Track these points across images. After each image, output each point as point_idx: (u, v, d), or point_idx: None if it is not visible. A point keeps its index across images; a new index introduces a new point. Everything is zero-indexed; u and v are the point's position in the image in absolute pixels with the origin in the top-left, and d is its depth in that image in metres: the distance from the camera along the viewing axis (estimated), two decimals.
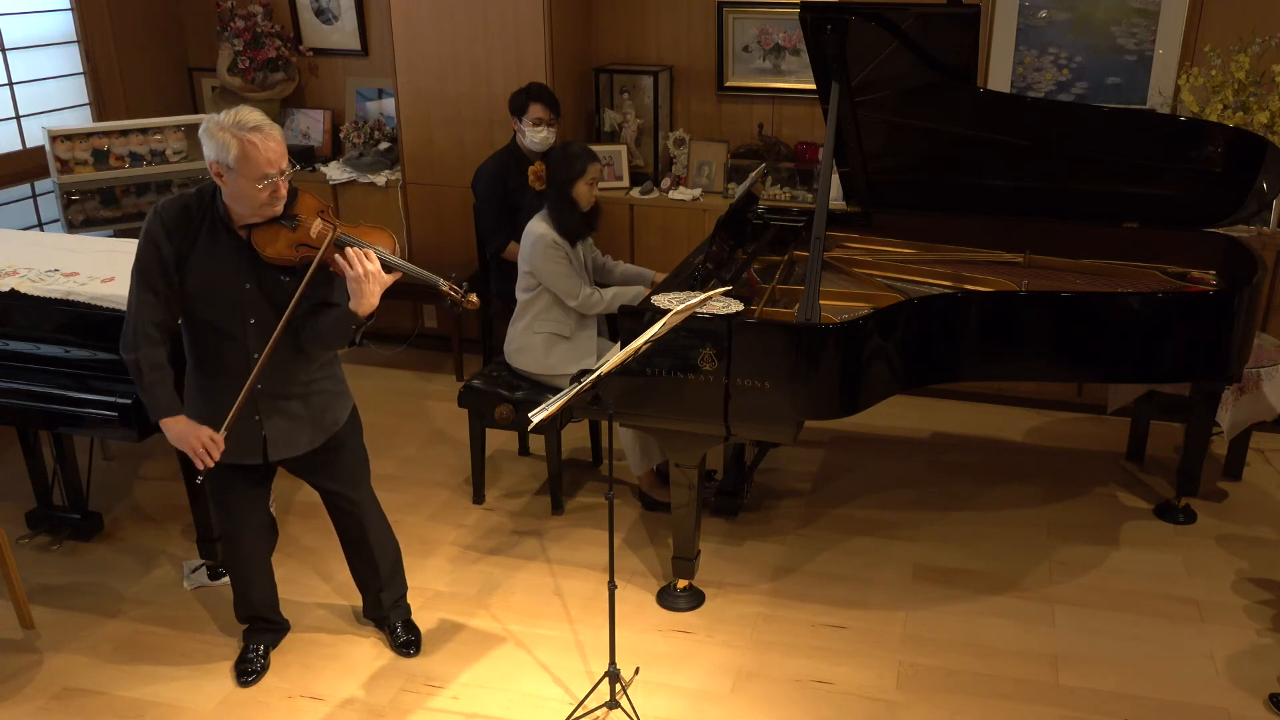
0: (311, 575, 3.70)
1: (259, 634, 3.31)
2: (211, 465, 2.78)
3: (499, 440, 4.54)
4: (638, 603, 3.56)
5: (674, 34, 5.22)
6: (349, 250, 2.70)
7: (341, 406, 3.09)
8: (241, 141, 2.62)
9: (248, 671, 3.22)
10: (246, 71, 5.57)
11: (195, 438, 2.77)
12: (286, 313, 2.73)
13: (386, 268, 2.75)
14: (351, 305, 2.72)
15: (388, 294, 2.78)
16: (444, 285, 2.80)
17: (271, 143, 2.66)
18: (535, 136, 4.44)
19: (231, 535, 3.15)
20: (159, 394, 2.81)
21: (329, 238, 2.74)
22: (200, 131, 2.69)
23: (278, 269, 2.79)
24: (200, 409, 2.90)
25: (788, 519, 4.06)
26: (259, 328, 2.81)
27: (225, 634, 3.41)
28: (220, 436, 2.77)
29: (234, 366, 2.83)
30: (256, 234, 2.76)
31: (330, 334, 2.84)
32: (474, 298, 2.83)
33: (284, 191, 2.74)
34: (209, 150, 2.66)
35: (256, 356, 2.79)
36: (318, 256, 2.72)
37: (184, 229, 2.76)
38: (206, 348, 2.86)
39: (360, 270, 2.68)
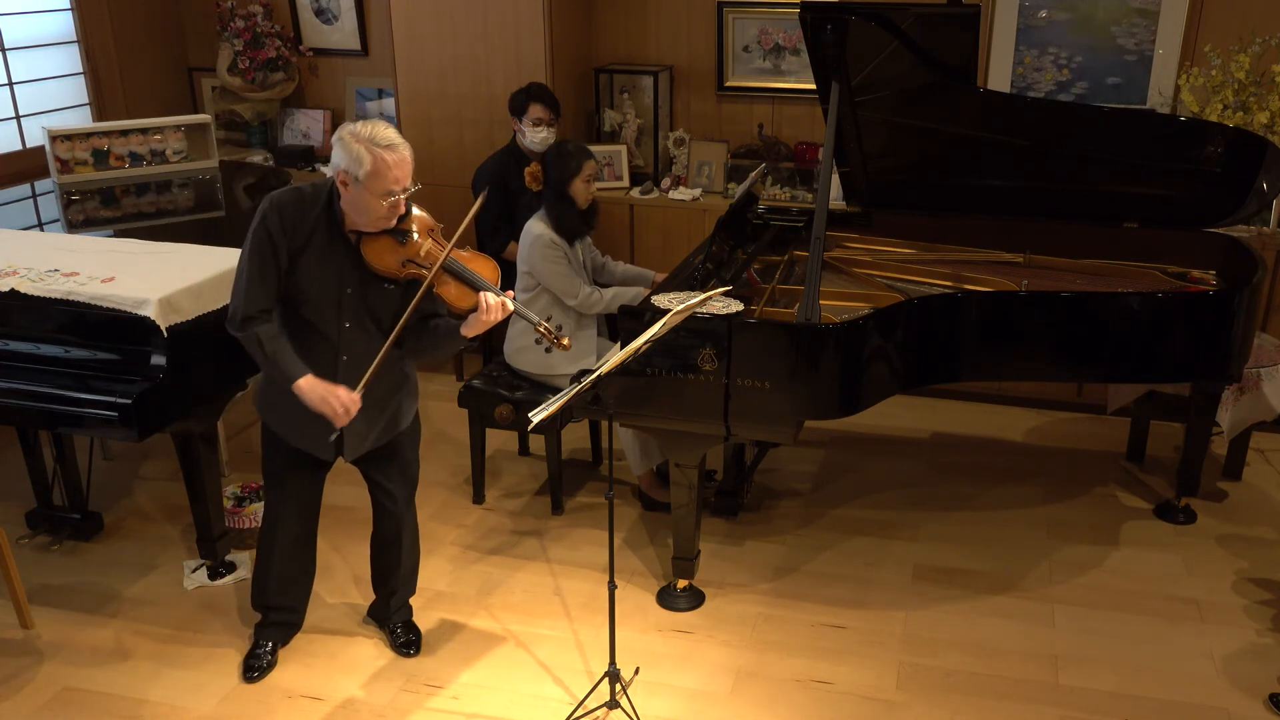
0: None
1: (270, 628, 3.31)
2: (346, 423, 2.82)
3: (499, 440, 4.54)
4: (638, 603, 3.56)
5: (674, 34, 5.22)
6: (490, 298, 2.78)
7: (410, 408, 3.15)
8: (375, 157, 2.67)
9: (254, 668, 3.23)
10: (246, 71, 5.57)
11: (335, 397, 2.79)
12: (395, 332, 2.80)
13: (487, 310, 2.81)
14: (464, 330, 2.83)
15: None
16: (541, 327, 2.86)
17: (404, 162, 2.72)
18: (535, 137, 4.44)
19: (274, 514, 3.17)
20: (284, 360, 2.82)
21: (440, 261, 2.78)
22: (334, 139, 2.74)
23: (382, 279, 2.84)
24: (281, 397, 2.93)
25: (788, 519, 4.06)
26: (353, 331, 2.87)
27: (225, 634, 3.41)
28: (358, 396, 2.80)
29: (321, 363, 2.88)
30: (366, 242, 2.81)
31: (437, 348, 2.98)
32: (566, 340, 2.89)
33: (403, 208, 2.80)
34: (339, 158, 2.71)
35: (345, 358, 2.88)
36: (428, 279, 2.77)
37: (299, 226, 2.80)
38: (298, 342, 2.89)
39: (491, 318, 2.79)
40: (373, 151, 2.67)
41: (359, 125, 2.72)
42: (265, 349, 2.81)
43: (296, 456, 3.06)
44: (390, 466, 3.16)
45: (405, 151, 2.74)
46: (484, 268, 2.89)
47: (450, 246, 2.81)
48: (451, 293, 2.82)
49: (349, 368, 2.88)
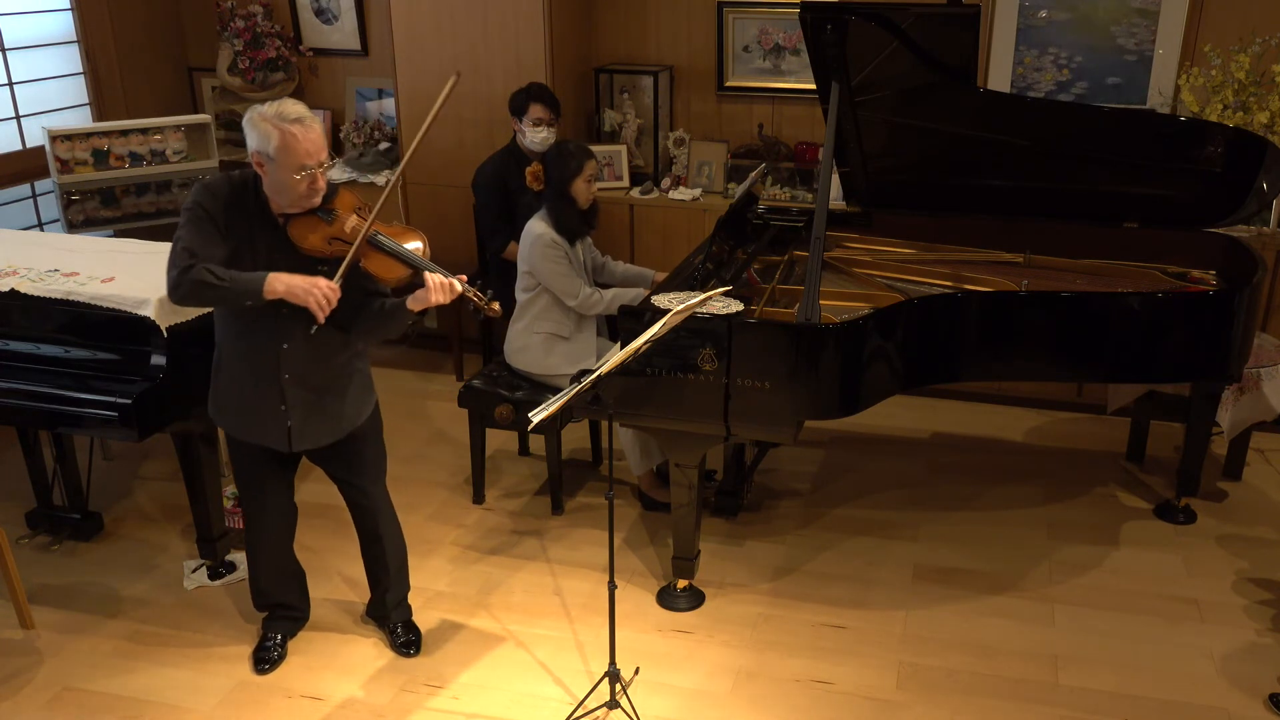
0: (312, 575, 3.68)
1: (277, 622, 3.33)
2: (328, 313, 2.73)
3: (499, 440, 4.54)
4: (638, 603, 3.56)
5: (674, 34, 5.22)
6: (434, 276, 2.76)
7: (365, 402, 3.12)
8: (283, 132, 2.66)
9: (264, 660, 3.25)
10: (246, 71, 5.57)
11: (315, 285, 2.70)
12: (340, 271, 2.77)
13: (417, 269, 2.80)
14: (410, 304, 2.81)
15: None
16: (469, 291, 2.85)
17: (312, 134, 2.70)
18: (535, 137, 4.44)
19: (252, 517, 3.18)
20: (242, 277, 2.71)
21: (362, 234, 2.78)
22: (244, 121, 2.74)
23: (312, 260, 2.83)
24: (228, 393, 2.95)
25: (788, 519, 4.06)
26: (290, 317, 2.85)
27: (225, 634, 3.42)
28: (336, 285, 2.74)
29: (263, 354, 2.87)
30: (293, 224, 2.81)
31: (384, 328, 2.93)
32: (496, 305, 2.87)
33: (322, 184, 2.78)
34: (251, 140, 2.71)
35: (286, 346, 2.85)
36: (350, 253, 2.77)
37: (230, 209, 2.79)
38: (237, 333, 2.90)
39: (436, 299, 2.76)
40: (279, 127, 2.66)
41: (265, 105, 2.71)
42: (218, 275, 2.68)
43: (260, 457, 3.05)
44: (354, 462, 3.14)
45: (314, 124, 2.72)
46: (410, 239, 2.87)
47: (371, 220, 2.80)
48: (377, 266, 2.81)
49: (290, 355, 2.88)
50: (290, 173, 2.69)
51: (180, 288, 2.70)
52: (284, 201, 2.78)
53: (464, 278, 2.82)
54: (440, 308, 2.84)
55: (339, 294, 2.75)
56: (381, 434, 3.22)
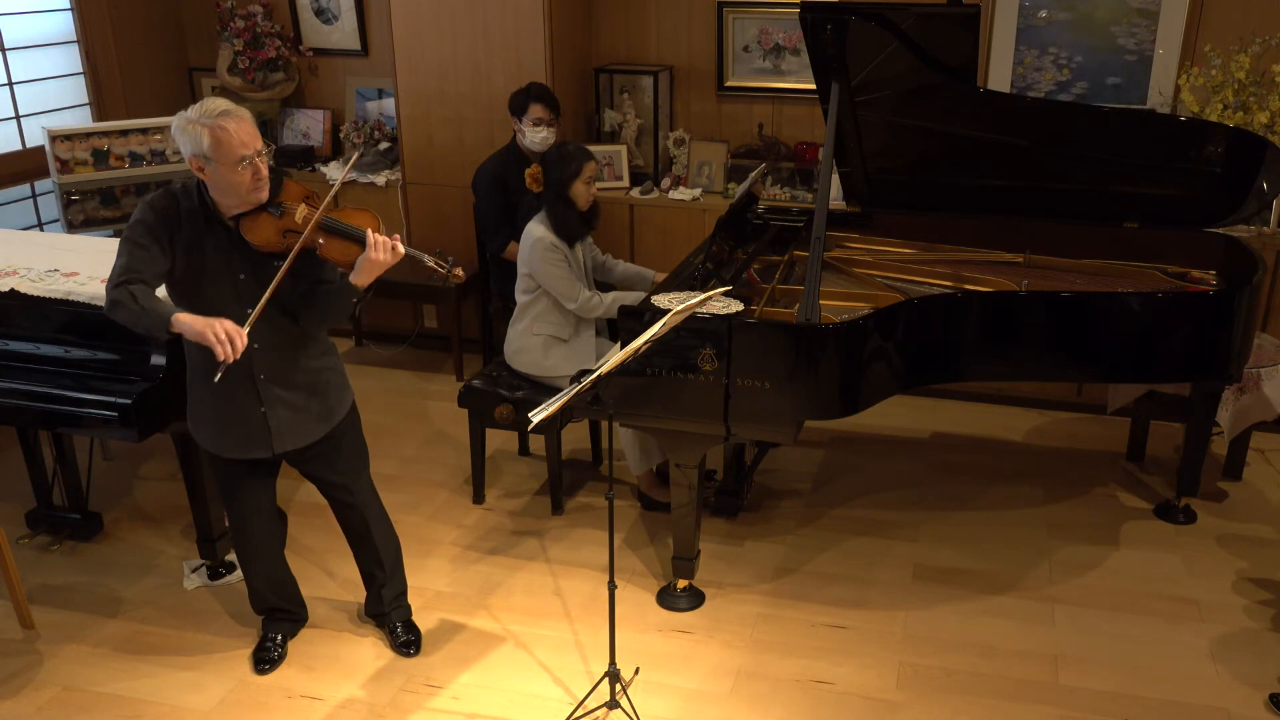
0: (311, 576, 3.70)
1: (277, 623, 3.34)
2: (234, 359, 2.64)
3: (499, 440, 4.54)
4: (638, 603, 3.56)
5: (674, 34, 5.22)
6: (376, 235, 2.75)
7: (343, 399, 3.11)
8: (211, 129, 2.65)
9: (264, 660, 3.25)
10: (246, 71, 5.57)
11: (219, 325, 2.64)
12: (269, 289, 2.73)
13: (374, 247, 2.78)
14: (353, 278, 2.79)
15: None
16: (429, 260, 2.84)
17: (242, 125, 2.69)
18: (535, 137, 4.44)
19: (240, 529, 3.17)
20: (155, 306, 2.70)
21: (314, 221, 2.77)
22: (173, 132, 2.72)
23: (270, 256, 2.81)
24: (204, 404, 2.94)
25: (788, 519, 4.06)
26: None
27: (225, 634, 3.42)
28: (244, 331, 2.68)
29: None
30: (244, 223, 2.79)
31: (332, 308, 2.89)
32: (459, 271, 2.86)
33: (264, 172, 2.76)
34: (184, 147, 2.70)
35: (256, 346, 2.82)
36: (301, 239, 2.76)
37: (174, 222, 2.78)
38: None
39: (379, 256, 2.73)
40: (208, 125, 2.65)
41: (189, 110, 2.70)
42: (138, 300, 2.68)
43: (240, 471, 3.04)
44: (335, 459, 3.12)
45: (241, 114, 2.70)
46: (363, 219, 2.86)
47: (325, 204, 2.78)
48: (335, 251, 2.80)
49: (262, 355, 2.86)
50: (230, 167, 2.67)
51: (108, 304, 2.73)
52: (233, 200, 2.75)
53: (397, 236, 2.79)
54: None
55: (245, 338, 2.68)
56: (360, 429, 3.21)
